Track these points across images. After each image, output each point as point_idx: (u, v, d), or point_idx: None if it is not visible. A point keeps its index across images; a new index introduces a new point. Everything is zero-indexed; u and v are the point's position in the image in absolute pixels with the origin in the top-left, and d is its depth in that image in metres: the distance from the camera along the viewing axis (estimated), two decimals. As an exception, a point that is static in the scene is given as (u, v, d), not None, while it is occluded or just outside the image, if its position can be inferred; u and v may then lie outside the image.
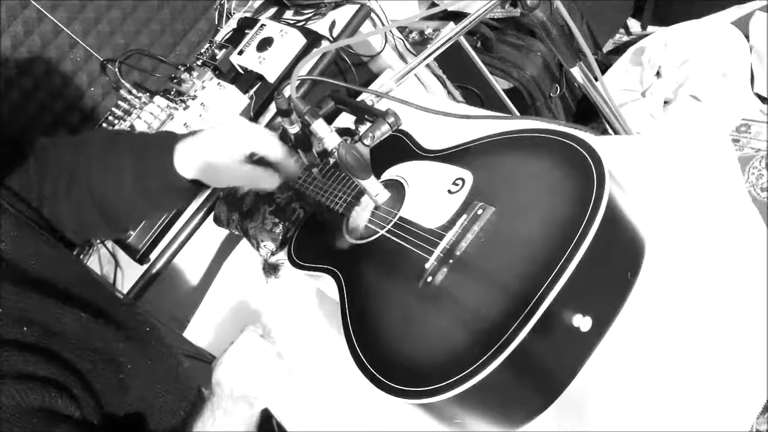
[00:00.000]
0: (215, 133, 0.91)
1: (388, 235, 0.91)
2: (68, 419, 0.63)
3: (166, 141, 0.92)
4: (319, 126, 0.88)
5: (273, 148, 0.93)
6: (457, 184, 0.89)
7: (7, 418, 0.58)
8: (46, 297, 0.72)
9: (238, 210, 1.35)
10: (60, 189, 0.89)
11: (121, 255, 1.57)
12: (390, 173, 1.02)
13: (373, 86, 1.45)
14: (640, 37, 2.20)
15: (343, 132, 1.02)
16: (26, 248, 0.76)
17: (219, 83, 1.56)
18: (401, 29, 1.76)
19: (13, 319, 0.65)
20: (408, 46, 1.70)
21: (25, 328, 0.65)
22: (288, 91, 0.94)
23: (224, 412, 0.84)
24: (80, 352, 0.70)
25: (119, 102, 1.63)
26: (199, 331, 1.36)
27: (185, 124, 1.52)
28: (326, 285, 1.00)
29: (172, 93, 1.61)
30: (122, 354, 0.76)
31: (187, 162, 0.90)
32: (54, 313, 0.71)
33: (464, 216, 0.83)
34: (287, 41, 1.53)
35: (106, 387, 0.71)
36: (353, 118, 1.06)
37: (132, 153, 0.91)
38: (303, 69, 1.39)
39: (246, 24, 1.71)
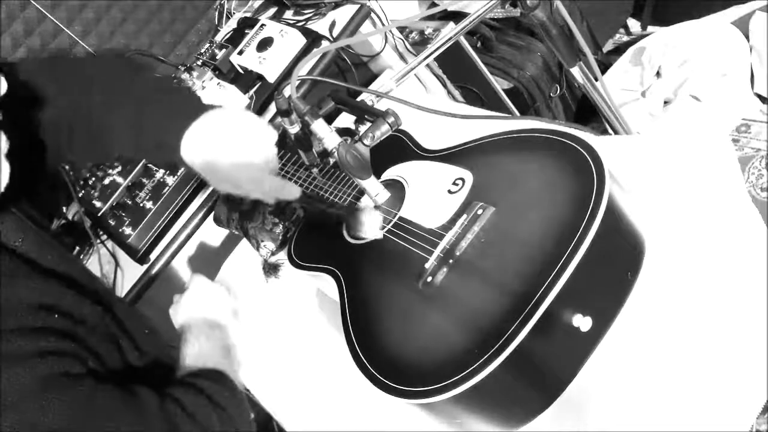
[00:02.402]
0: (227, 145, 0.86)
1: (388, 235, 0.91)
2: (88, 375, 0.68)
3: (178, 115, 0.87)
4: (319, 126, 0.88)
5: (272, 194, 0.90)
6: (457, 184, 0.89)
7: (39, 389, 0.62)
8: (66, 288, 0.75)
9: (238, 210, 1.35)
10: (61, 105, 0.87)
11: (121, 255, 1.56)
12: (390, 173, 1.02)
13: (373, 86, 1.45)
14: (640, 37, 2.20)
15: (343, 132, 1.02)
16: (36, 245, 0.78)
17: (219, 83, 1.56)
18: (401, 29, 1.76)
19: (37, 308, 0.69)
20: (408, 46, 1.70)
21: (53, 315, 0.69)
22: (288, 91, 0.94)
23: (207, 337, 0.86)
24: (100, 338, 0.75)
25: (119, 102, 1.63)
26: (199, 331, 1.36)
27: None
28: (326, 285, 1.00)
29: (172, 93, 1.61)
30: (123, 348, 0.80)
31: (190, 158, 0.88)
32: (75, 303, 0.74)
33: (464, 216, 0.83)
34: (287, 41, 1.53)
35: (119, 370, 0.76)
36: (353, 118, 1.06)
37: (136, 114, 0.86)
38: (303, 69, 1.38)
39: (246, 24, 1.71)
